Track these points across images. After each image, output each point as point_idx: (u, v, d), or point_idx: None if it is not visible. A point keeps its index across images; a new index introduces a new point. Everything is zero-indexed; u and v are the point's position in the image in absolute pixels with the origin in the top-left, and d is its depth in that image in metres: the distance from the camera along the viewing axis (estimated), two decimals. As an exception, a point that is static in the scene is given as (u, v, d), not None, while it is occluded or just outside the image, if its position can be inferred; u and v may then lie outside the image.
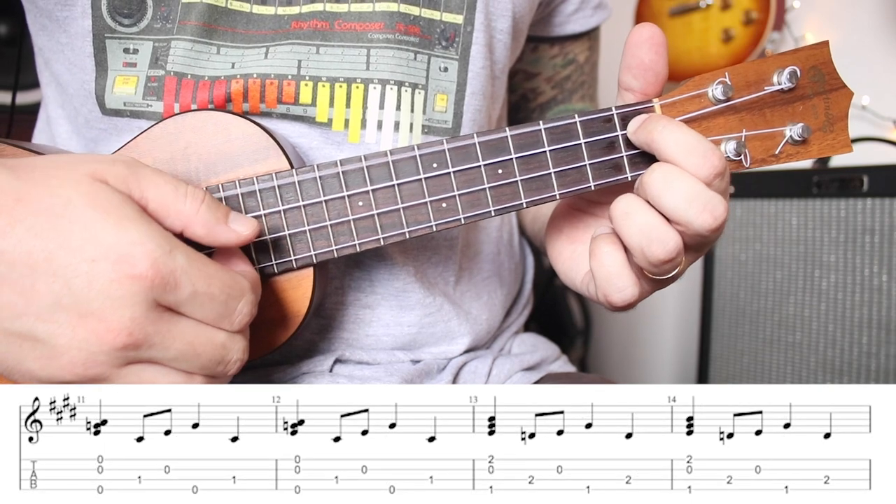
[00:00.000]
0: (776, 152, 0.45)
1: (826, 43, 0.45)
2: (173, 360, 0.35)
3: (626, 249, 0.42)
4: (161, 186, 0.37)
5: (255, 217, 0.44)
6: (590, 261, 0.44)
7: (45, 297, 0.33)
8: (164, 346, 0.35)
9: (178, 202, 0.37)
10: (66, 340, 0.33)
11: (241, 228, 0.39)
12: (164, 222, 0.37)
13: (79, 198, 0.34)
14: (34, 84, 0.61)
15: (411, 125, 0.53)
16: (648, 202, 0.40)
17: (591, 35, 0.74)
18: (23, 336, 0.33)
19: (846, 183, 1.18)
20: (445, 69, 0.55)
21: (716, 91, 0.43)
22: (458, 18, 0.55)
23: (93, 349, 0.33)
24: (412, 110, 0.53)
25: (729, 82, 0.43)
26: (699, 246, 0.42)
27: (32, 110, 0.63)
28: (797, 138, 0.44)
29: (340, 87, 0.51)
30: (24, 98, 1.06)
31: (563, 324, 1.67)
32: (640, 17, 1.59)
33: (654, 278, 0.43)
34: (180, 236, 0.37)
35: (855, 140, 1.22)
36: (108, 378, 0.34)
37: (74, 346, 0.33)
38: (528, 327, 0.75)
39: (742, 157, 0.44)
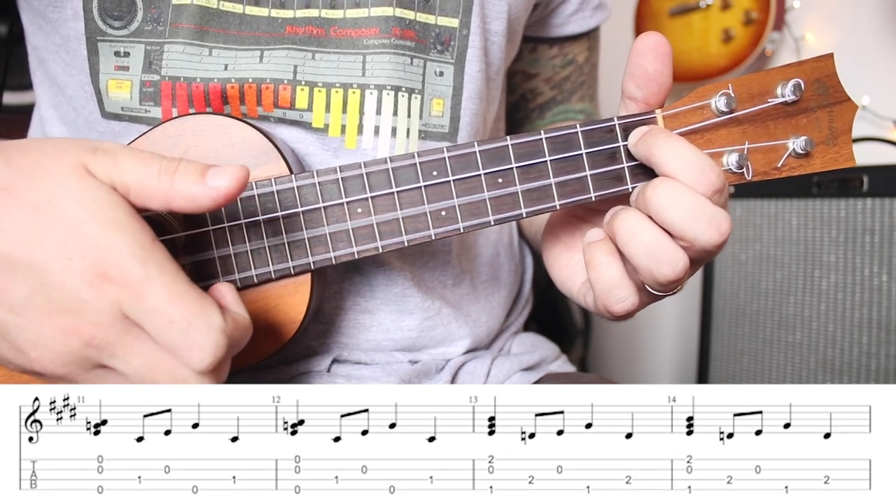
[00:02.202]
0: (779, 165, 0.44)
1: (831, 56, 0.44)
2: (132, 377, 0.34)
3: (625, 259, 0.42)
4: (136, 169, 0.35)
5: (253, 222, 0.43)
6: (587, 271, 0.43)
7: (19, 290, 0.33)
8: (125, 359, 0.34)
9: (154, 182, 0.35)
10: (34, 337, 0.33)
11: (219, 182, 0.35)
12: (150, 205, 0.36)
13: (65, 195, 0.33)
14: (32, 85, 0.61)
15: (408, 130, 0.53)
16: (650, 217, 0.40)
17: (590, 35, 0.74)
18: None
19: (846, 183, 1.18)
20: (441, 73, 0.54)
21: (719, 103, 0.43)
22: (454, 22, 0.54)
23: (59, 349, 0.33)
24: (409, 115, 0.53)
25: (732, 94, 0.43)
26: (701, 259, 0.42)
27: (29, 110, 0.63)
28: (800, 151, 0.44)
29: (337, 92, 0.51)
30: (24, 98, 1.06)
31: (563, 324, 1.66)
32: (639, 18, 1.59)
33: (654, 292, 0.42)
34: (173, 213, 0.38)
35: (855, 140, 1.22)
36: (77, 379, 0.34)
37: (41, 343, 0.33)
38: (528, 327, 0.75)
39: (744, 169, 0.43)
